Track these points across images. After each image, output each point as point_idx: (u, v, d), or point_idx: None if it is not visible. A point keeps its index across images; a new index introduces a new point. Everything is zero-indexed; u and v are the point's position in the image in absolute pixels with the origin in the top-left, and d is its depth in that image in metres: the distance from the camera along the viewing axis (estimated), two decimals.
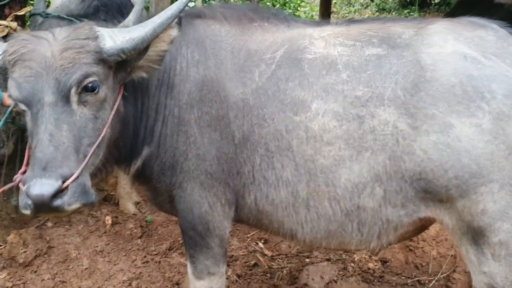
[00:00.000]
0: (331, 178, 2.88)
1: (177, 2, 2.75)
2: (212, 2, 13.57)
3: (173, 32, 2.83)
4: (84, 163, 2.52)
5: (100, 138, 2.66)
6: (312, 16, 17.04)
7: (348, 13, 19.65)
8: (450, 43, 2.79)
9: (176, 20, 2.79)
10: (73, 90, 2.56)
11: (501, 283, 2.77)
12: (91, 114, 2.66)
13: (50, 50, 2.58)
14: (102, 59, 2.65)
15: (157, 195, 3.40)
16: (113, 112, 2.78)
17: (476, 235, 2.74)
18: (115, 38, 2.69)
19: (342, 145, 2.83)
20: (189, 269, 3.43)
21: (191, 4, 13.62)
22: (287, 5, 16.06)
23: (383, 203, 2.86)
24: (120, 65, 2.79)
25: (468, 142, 2.61)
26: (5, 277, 4.54)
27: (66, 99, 2.56)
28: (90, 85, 2.61)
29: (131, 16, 3.01)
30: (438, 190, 2.73)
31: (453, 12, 7.04)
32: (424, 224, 3.06)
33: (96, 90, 2.64)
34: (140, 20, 2.94)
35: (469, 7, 6.79)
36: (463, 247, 2.88)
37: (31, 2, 5.95)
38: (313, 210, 3.00)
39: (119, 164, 3.30)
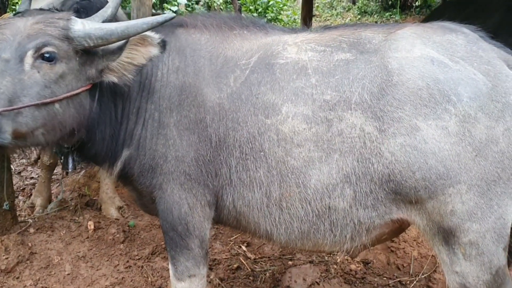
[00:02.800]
0: (301, 179, 2.94)
1: (158, 16, 2.84)
2: (195, 6, 13.58)
3: (153, 50, 2.94)
4: (8, 108, 2.64)
5: (40, 101, 2.74)
6: (295, 19, 17.13)
7: (330, 16, 19.75)
8: (417, 47, 2.85)
9: (159, 40, 2.91)
10: (29, 53, 2.73)
11: (473, 282, 2.83)
12: (42, 81, 2.77)
13: (24, 23, 2.83)
14: (68, 38, 2.82)
15: (140, 196, 3.49)
16: (67, 95, 2.85)
17: (447, 235, 2.80)
18: (85, 24, 2.86)
19: (312, 147, 2.88)
20: (171, 271, 3.47)
21: (174, 8, 13.64)
22: (269, 9, 16.15)
23: (354, 204, 2.91)
24: (89, 58, 2.92)
25: (435, 144, 2.66)
26: None
27: (20, 58, 2.72)
28: (47, 54, 2.76)
29: (110, 4, 3.14)
30: (407, 192, 2.78)
31: (439, 13, 7.03)
32: (399, 226, 3.10)
33: (53, 62, 2.78)
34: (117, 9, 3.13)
35: (460, 8, 6.77)
36: (435, 247, 2.94)
37: (13, 7, 5.95)
38: (285, 211, 3.05)
39: (100, 164, 3.41)
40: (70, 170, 3.54)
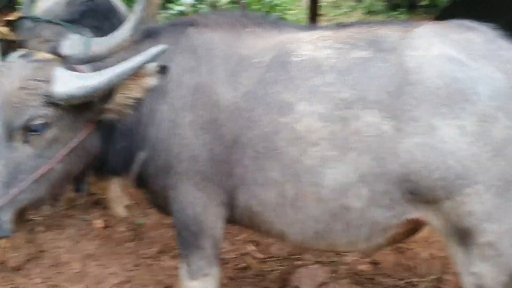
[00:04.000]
0: (317, 178, 2.91)
1: (144, 53, 2.76)
2: (200, 6, 13.55)
3: (151, 80, 2.89)
4: (8, 199, 2.70)
5: (36, 175, 2.78)
6: (301, 19, 17.08)
7: (338, 15, 19.67)
8: (435, 46, 2.81)
9: (157, 69, 2.86)
10: (18, 131, 2.74)
11: (489, 283, 2.79)
12: (33, 152, 2.79)
13: (10, 83, 2.77)
14: (53, 103, 2.77)
15: (156, 198, 3.49)
16: (66, 152, 2.88)
17: (464, 236, 2.76)
18: (68, 83, 2.75)
19: (328, 145, 2.85)
20: (183, 270, 3.46)
21: (181, 8, 13.62)
22: (275, 8, 16.10)
23: (370, 204, 2.88)
24: (83, 106, 2.86)
25: (453, 143, 2.63)
26: None
27: (10, 135, 2.74)
28: (35, 127, 2.75)
29: (129, 25, 3.07)
30: (424, 192, 2.74)
31: (449, 13, 6.97)
32: (415, 226, 3.07)
33: (42, 131, 2.77)
34: (136, 30, 3.05)
35: (469, 7, 6.71)
36: (452, 248, 2.90)
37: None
38: (300, 210, 3.02)
39: (117, 175, 3.43)
40: (82, 192, 3.59)
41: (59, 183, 2.98)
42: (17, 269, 4.69)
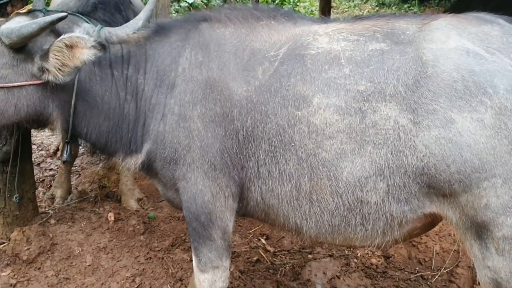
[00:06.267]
0: (333, 172, 2.90)
1: (48, 16, 3.05)
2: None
3: (87, 52, 3.06)
4: None
5: None
6: (312, 11, 17.03)
7: (348, 8, 19.60)
8: (452, 38, 2.79)
9: (93, 43, 3.04)
10: None
11: (505, 277, 2.77)
12: None
13: None
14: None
15: (166, 189, 3.53)
16: (3, 85, 3.13)
17: (480, 229, 2.75)
18: (9, 24, 3.12)
19: (344, 138, 2.84)
20: (194, 262, 3.49)
21: (190, 0, 13.61)
22: (286, 1, 16.06)
23: (386, 198, 2.87)
24: (29, 56, 3.16)
25: (470, 136, 2.61)
26: (9, 274, 4.55)
27: None
28: None
29: (142, 15, 3.37)
30: (441, 185, 2.73)
31: (464, 5, 6.87)
32: (431, 221, 3.06)
33: None
34: (148, 21, 3.36)
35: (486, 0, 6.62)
36: (467, 242, 2.88)
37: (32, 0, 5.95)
38: (316, 204, 3.02)
39: (123, 160, 3.52)
40: (64, 159, 3.69)
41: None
42: (29, 261, 4.72)
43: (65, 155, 3.64)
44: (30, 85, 3.17)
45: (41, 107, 3.27)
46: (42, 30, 3.01)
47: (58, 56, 3.05)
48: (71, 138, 3.46)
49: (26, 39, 3.06)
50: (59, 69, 3.08)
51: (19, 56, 3.14)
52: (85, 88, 3.30)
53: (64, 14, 2.99)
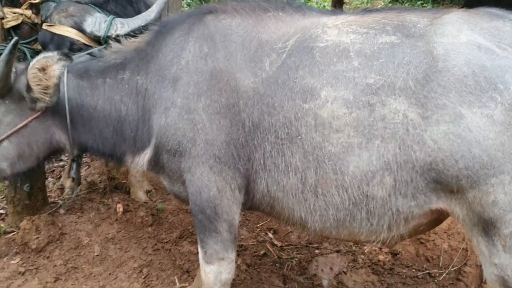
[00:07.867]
0: (339, 165, 2.89)
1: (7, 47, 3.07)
2: None
3: (57, 67, 3.16)
4: None
5: None
6: (324, 6, 16.94)
7: (361, 3, 19.47)
8: (464, 33, 2.76)
9: (58, 57, 3.13)
10: None
11: None
12: None
13: None
14: None
15: (172, 183, 3.52)
16: (10, 132, 3.24)
17: (487, 226, 2.72)
18: None
19: (352, 132, 2.83)
20: (200, 254, 3.49)
21: None
22: None
23: (393, 193, 2.85)
24: (19, 95, 3.26)
25: (479, 132, 2.59)
26: (18, 262, 4.60)
27: None
28: None
29: (154, 8, 3.47)
30: (449, 181, 2.71)
31: (478, 1, 6.80)
32: (438, 217, 3.04)
33: None
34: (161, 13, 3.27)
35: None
36: (474, 239, 2.86)
37: None
38: (321, 197, 3.01)
39: (131, 162, 3.58)
40: (73, 176, 3.86)
41: (14, 161, 3.34)
42: (38, 250, 4.75)
43: (72, 173, 3.76)
44: (32, 120, 3.29)
45: (49, 136, 3.40)
46: (8, 63, 3.08)
47: (37, 82, 3.15)
48: (80, 154, 3.62)
49: (3, 81, 3.14)
50: (44, 92, 3.18)
51: (13, 99, 3.26)
52: (77, 104, 3.38)
53: (15, 39, 3.07)
